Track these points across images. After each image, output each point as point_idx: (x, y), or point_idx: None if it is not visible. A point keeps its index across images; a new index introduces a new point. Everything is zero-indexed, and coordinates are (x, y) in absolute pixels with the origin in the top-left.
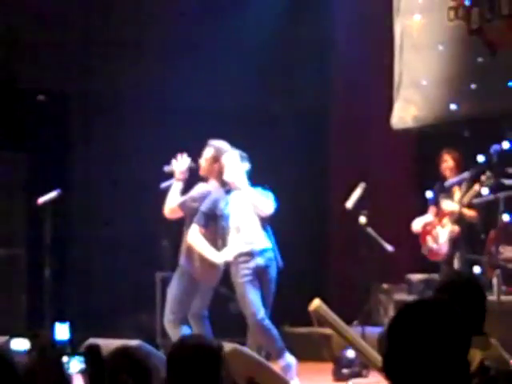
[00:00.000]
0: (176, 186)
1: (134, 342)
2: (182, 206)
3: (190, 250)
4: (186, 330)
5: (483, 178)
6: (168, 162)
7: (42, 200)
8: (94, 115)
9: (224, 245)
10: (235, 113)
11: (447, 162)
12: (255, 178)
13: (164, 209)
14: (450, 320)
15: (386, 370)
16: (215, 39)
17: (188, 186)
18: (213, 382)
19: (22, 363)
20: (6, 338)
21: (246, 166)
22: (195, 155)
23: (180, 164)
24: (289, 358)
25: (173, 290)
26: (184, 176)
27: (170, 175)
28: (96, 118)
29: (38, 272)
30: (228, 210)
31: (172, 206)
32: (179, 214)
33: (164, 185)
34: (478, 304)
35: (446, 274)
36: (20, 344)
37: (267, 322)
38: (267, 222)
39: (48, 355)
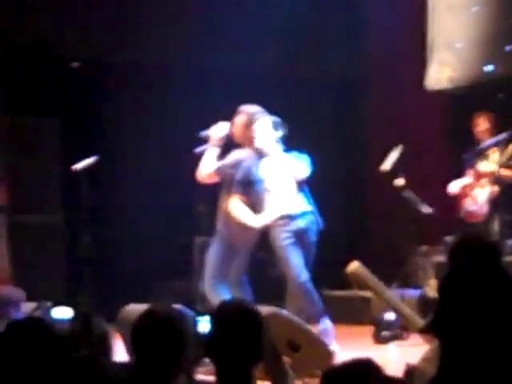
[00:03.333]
0: (212, 151)
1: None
2: (219, 171)
3: (227, 216)
4: (225, 295)
5: None
6: (203, 128)
7: (78, 166)
8: (129, 83)
9: (262, 209)
10: (275, 79)
11: (481, 125)
12: (293, 142)
13: (198, 173)
14: (501, 283)
15: (436, 328)
16: (251, 8)
17: (224, 153)
18: (254, 347)
19: (65, 331)
20: (48, 303)
21: (280, 132)
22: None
23: (218, 130)
24: (327, 323)
25: (212, 255)
26: (221, 142)
27: (205, 140)
28: (130, 86)
29: (76, 239)
30: (262, 175)
31: (209, 171)
32: (215, 179)
33: (199, 150)
34: (491, 264)
35: (458, 236)
36: (62, 312)
37: (309, 285)
38: (305, 185)
39: (91, 323)
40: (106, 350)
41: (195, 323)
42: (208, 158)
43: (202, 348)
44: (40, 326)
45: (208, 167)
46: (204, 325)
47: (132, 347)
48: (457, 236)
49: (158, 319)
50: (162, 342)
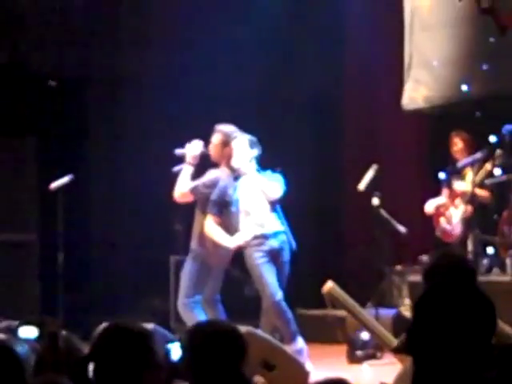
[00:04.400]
0: (187, 170)
1: (148, 326)
2: (194, 191)
3: (202, 234)
4: (199, 314)
5: (495, 157)
6: (180, 146)
7: (54, 185)
8: (108, 101)
9: (237, 230)
10: (247, 98)
11: (457, 145)
12: (267, 162)
13: (174, 192)
14: (477, 303)
15: (409, 347)
16: (229, 25)
17: (200, 171)
18: (234, 369)
19: (31, 351)
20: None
21: (256, 151)
22: (208, 141)
23: (192, 148)
24: (301, 343)
25: (186, 275)
26: (195, 161)
27: (182, 158)
28: (110, 104)
29: (51, 258)
30: (237, 195)
31: (183, 190)
32: (190, 199)
33: (176, 168)
34: (466, 283)
35: (433, 256)
36: (29, 331)
37: (284, 304)
38: (278, 205)
39: (58, 342)
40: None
41: (166, 345)
42: (183, 177)
43: (173, 370)
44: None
45: (183, 186)
46: (175, 349)
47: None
48: (431, 256)
49: (119, 335)
50: (121, 357)
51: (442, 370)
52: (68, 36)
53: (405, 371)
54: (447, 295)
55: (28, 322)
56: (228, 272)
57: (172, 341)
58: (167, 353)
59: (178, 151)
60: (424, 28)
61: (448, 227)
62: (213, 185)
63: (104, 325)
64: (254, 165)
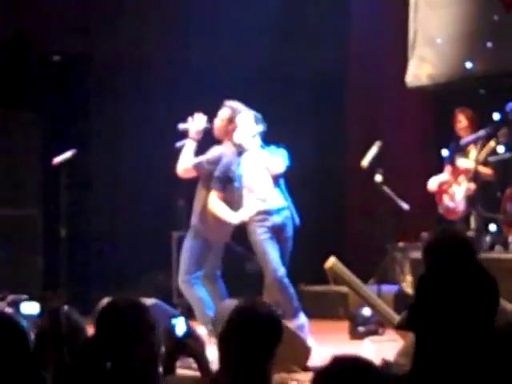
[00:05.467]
0: (190, 145)
1: (149, 301)
2: (198, 167)
3: (203, 210)
4: (200, 290)
5: (498, 134)
6: (183, 121)
7: (57, 160)
8: (111, 76)
9: (240, 205)
10: (252, 75)
11: (461, 122)
12: (271, 137)
13: (177, 168)
14: (479, 280)
15: (411, 323)
16: (230, 2)
17: (201, 147)
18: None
19: (33, 327)
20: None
21: (261, 127)
22: (210, 117)
23: (196, 123)
24: (302, 318)
25: (186, 251)
26: (199, 136)
27: (185, 134)
28: (113, 79)
29: (54, 233)
30: (241, 171)
31: (186, 165)
32: (192, 174)
33: (179, 144)
34: (467, 260)
35: (433, 233)
36: (31, 308)
37: (286, 280)
38: (282, 181)
39: (60, 318)
40: (78, 342)
41: (171, 321)
42: (186, 152)
43: (178, 346)
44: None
45: (186, 162)
46: (180, 325)
47: (96, 336)
48: (431, 233)
49: (119, 309)
50: (123, 330)
51: (444, 347)
52: (71, 12)
53: (406, 347)
54: (449, 272)
55: (30, 298)
56: (230, 248)
57: (176, 316)
58: (172, 328)
59: (182, 126)
60: (429, 6)
61: (451, 204)
62: (216, 161)
63: (105, 301)
64: (258, 140)
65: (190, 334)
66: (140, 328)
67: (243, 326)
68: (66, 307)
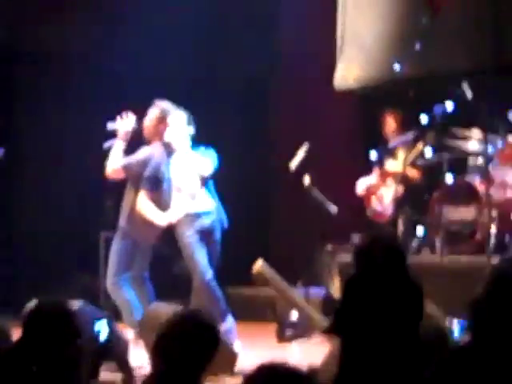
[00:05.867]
0: (118, 145)
1: (75, 303)
2: (127, 168)
3: (132, 211)
4: (128, 292)
5: (426, 137)
6: (112, 121)
7: None
8: (41, 75)
9: (168, 207)
10: (180, 77)
11: (390, 125)
12: (200, 138)
13: (106, 168)
14: (405, 287)
15: (336, 327)
16: (163, 6)
17: (129, 147)
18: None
19: None
20: None
21: (191, 129)
22: (139, 119)
23: (125, 123)
24: (230, 322)
25: (114, 253)
26: (127, 136)
27: (113, 134)
28: (43, 77)
29: None
30: (170, 172)
31: (115, 166)
32: (121, 175)
33: (107, 144)
34: (397, 266)
35: (364, 238)
36: None
37: (214, 283)
38: (211, 182)
39: None
40: (3, 346)
41: (94, 325)
42: (115, 152)
43: (101, 350)
44: None
45: (115, 163)
46: (103, 328)
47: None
48: (362, 237)
49: (44, 314)
50: (48, 336)
51: (369, 352)
52: None
53: (332, 353)
54: (376, 278)
55: None
56: (157, 249)
57: (99, 318)
58: (96, 334)
59: (110, 125)
60: (357, 7)
61: (379, 207)
62: (146, 162)
63: (32, 303)
64: (188, 142)
65: (113, 337)
66: (66, 334)
67: (181, 334)
68: None
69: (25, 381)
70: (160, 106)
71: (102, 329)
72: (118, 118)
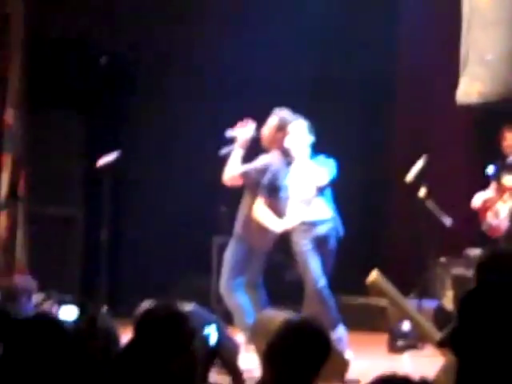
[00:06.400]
0: (237, 153)
1: (188, 306)
2: (245, 175)
3: (248, 218)
4: (241, 297)
5: None
6: (230, 127)
7: (101, 162)
8: (158, 78)
9: (285, 215)
10: (302, 84)
11: (507, 140)
12: (319, 146)
13: (223, 175)
14: None
15: (453, 344)
16: (278, 8)
17: (246, 155)
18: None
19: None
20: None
21: (311, 137)
22: (257, 126)
23: (244, 131)
24: (341, 330)
25: (229, 257)
26: (246, 144)
27: (231, 140)
28: (160, 81)
29: (95, 234)
30: (288, 180)
31: (233, 173)
32: (239, 182)
33: (224, 151)
34: None
35: (487, 250)
36: (69, 313)
37: (327, 291)
38: (329, 191)
39: (97, 325)
40: (111, 349)
41: (203, 327)
42: (233, 160)
43: (212, 354)
44: (48, 326)
45: (233, 170)
46: (213, 333)
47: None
48: (486, 251)
49: (158, 317)
50: (162, 340)
51: (485, 370)
52: (118, 12)
53: (447, 365)
54: (495, 294)
55: (68, 303)
56: (271, 256)
57: (209, 322)
58: (206, 337)
59: (229, 133)
60: (482, 24)
61: (494, 222)
62: (264, 170)
63: (145, 305)
64: (308, 150)
65: (223, 342)
66: (179, 338)
67: (293, 342)
68: (103, 315)
69: None
70: (279, 114)
71: (211, 333)
72: (238, 125)
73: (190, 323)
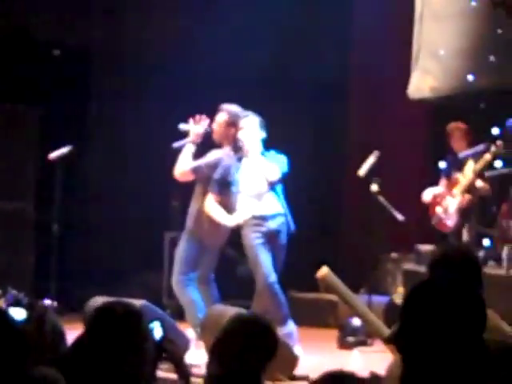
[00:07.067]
0: (189, 148)
1: (139, 302)
2: (196, 171)
3: (199, 214)
4: (192, 292)
5: (494, 147)
6: (184, 122)
7: (53, 155)
8: (111, 74)
9: (235, 210)
10: (253, 78)
11: (454, 136)
12: (271, 142)
13: (175, 170)
14: (467, 299)
15: (398, 343)
16: (237, 5)
17: (199, 151)
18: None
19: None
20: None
21: (263, 133)
22: (211, 121)
23: (197, 126)
24: (291, 326)
25: (181, 252)
26: (199, 139)
27: (184, 135)
28: (113, 75)
29: (46, 228)
30: (239, 175)
31: (184, 169)
32: (190, 178)
33: (176, 144)
34: (474, 278)
35: (440, 247)
36: (17, 313)
37: (277, 287)
38: (280, 186)
39: (45, 326)
40: (58, 348)
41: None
42: (185, 155)
43: (158, 349)
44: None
45: (184, 165)
46: (157, 329)
47: (88, 342)
48: (438, 248)
49: (114, 315)
50: (116, 340)
51: (430, 368)
52: (69, 4)
53: (395, 362)
54: (440, 290)
55: (16, 304)
56: (222, 251)
57: (156, 319)
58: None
59: (182, 126)
60: (434, 18)
61: (444, 216)
62: (215, 165)
63: (96, 300)
64: (259, 146)
65: (169, 338)
66: (134, 337)
67: (240, 337)
68: (51, 316)
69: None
70: (228, 109)
71: (155, 329)
72: (191, 119)
73: (144, 322)
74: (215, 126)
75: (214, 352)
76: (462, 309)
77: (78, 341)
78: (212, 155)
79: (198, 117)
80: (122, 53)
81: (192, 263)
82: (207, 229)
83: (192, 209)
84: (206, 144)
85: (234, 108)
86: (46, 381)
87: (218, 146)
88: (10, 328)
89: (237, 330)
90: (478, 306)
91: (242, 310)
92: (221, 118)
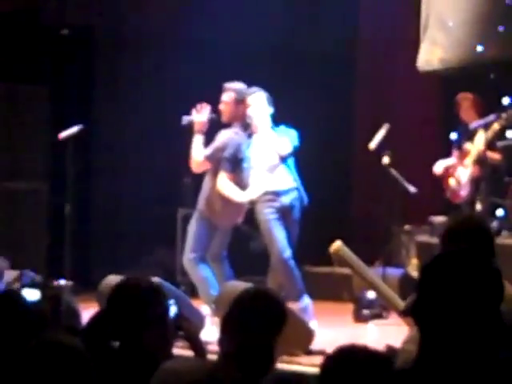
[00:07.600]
0: (198, 139)
1: (152, 280)
2: (210, 158)
3: (211, 196)
4: (204, 269)
5: (504, 116)
6: (197, 99)
7: (63, 135)
8: (120, 50)
9: (248, 186)
10: (260, 53)
11: (463, 106)
12: (280, 116)
13: (191, 164)
14: (485, 270)
15: (414, 313)
16: None
17: (208, 137)
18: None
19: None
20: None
21: (271, 109)
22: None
23: (200, 115)
24: (306, 300)
25: (193, 230)
26: (204, 127)
27: (189, 127)
28: (121, 53)
29: (60, 207)
30: (250, 152)
31: (199, 160)
32: (207, 166)
33: (185, 121)
34: (486, 248)
35: (452, 218)
36: (31, 294)
37: (291, 262)
38: (291, 161)
39: (60, 306)
40: (73, 327)
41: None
42: (195, 146)
43: (173, 327)
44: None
45: (197, 156)
46: (171, 307)
47: (107, 319)
48: (450, 219)
49: (135, 290)
50: (132, 316)
51: (447, 340)
52: None
53: (411, 334)
54: (456, 262)
55: (31, 285)
56: (236, 228)
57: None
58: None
59: (185, 119)
60: None
61: (457, 187)
62: (225, 146)
63: (110, 279)
64: (269, 121)
65: (184, 315)
66: (155, 311)
67: (248, 310)
68: (65, 295)
69: (105, 358)
70: (234, 88)
71: (170, 307)
72: (193, 110)
73: (164, 297)
74: (223, 106)
75: (224, 328)
76: (480, 280)
77: (95, 319)
78: (221, 137)
79: (199, 106)
80: (128, 30)
81: (203, 242)
82: (218, 210)
83: (203, 192)
84: (213, 130)
85: (239, 86)
86: (62, 345)
87: (228, 126)
88: (21, 307)
89: (244, 302)
90: (495, 277)
91: (257, 286)
92: (228, 97)
